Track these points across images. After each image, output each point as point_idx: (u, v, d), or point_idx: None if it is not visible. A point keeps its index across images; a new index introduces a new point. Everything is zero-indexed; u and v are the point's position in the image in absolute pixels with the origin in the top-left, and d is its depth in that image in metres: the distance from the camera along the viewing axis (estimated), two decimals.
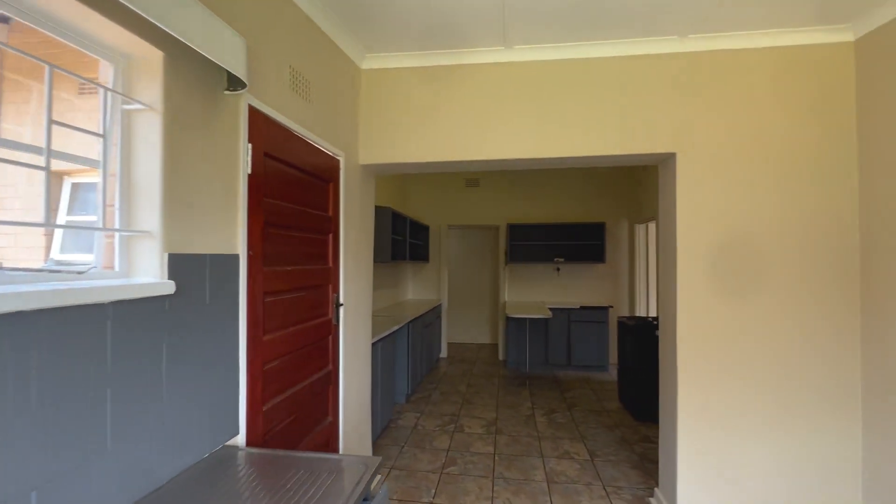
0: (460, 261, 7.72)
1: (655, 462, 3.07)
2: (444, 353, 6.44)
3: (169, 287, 1.12)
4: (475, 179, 6.44)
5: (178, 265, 1.19)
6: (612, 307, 5.73)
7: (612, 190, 6.12)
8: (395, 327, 3.72)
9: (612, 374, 5.48)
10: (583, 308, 5.60)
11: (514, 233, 6.26)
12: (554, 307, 5.62)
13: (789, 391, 2.23)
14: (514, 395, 4.59)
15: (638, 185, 5.80)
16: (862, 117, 2.18)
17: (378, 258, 4.19)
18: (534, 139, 2.46)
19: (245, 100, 1.49)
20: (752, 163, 2.26)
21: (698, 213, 2.31)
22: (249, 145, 1.50)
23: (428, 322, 5.28)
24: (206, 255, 1.31)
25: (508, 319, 5.72)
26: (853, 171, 2.21)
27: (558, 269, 6.20)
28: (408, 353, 4.26)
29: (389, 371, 3.69)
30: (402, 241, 5.02)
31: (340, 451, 2.31)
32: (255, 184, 1.55)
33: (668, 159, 2.43)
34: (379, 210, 4.27)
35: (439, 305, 6.22)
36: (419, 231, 6.27)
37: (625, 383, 4.22)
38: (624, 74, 2.38)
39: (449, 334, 7.58)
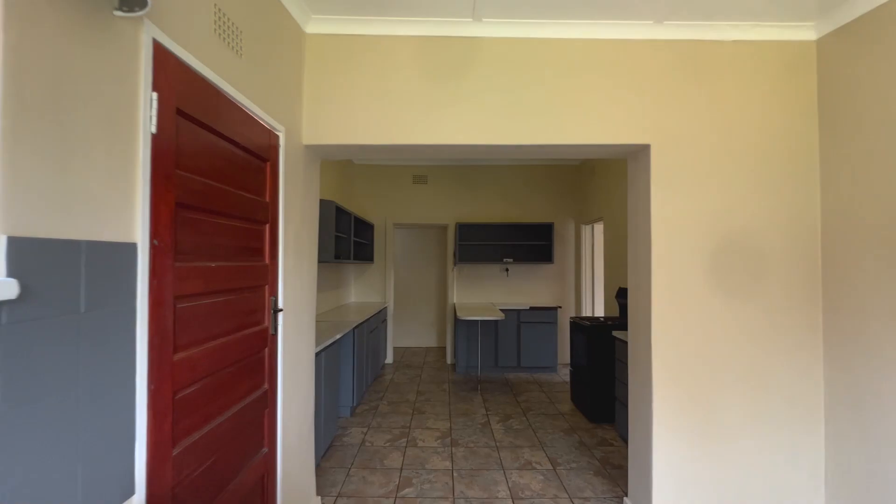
0: (407, 261, 7.39)
1: (617, 467, 2.97)
2: (389, 359, 6.08)
3: (8, 289, 0.72)
4: (423, 175, 6.16)
5: (28, 256, 0.78)
6: (560, 308, 5.72)
7: (560, 191, 6.14)
8: (339, 334, 3.33)
9: (562, 374, 5.46)
10: (532, 309, 5.53)
11: (464, 232, 6.07)
12: (504, 308, 5.48)
13: (763, 394, 2.19)
14: (467, 402, 4.36)
15: (584, 186, 5.86)
16: (822, 118, 2.21)
17: (321, 257, 3.76)
18: (498, 124, 2.23)
19: (147, 31, 1.08)
20: (726, 158, 2.21)
21: (674, 210, 2.21)
22: (154, 94, 1.10)
23: (373, 327, 4.91)
24: (81, 241, 0.90)
25: (458, 322, 5.50)
26: (816, 173, 2.23)
27: (507, 270, 6.10)
28: (353, 361, 3.87)
29: (333, 383, 3.29)
30: (345, 239, 4.60)
31: (279, 485, 1.91)
32: (163, 149, 1.15)
33: (640, 151, 2.32)
34: (322, 203, 3.84)
35: (384, 309, 5.86)
36: (364, 229, 5.86)
37: (577, 384, 4.16)
38: (598, 58, 2.23)
39: (395, 338, 7.23)
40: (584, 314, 5.87)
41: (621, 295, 4.29)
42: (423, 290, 7.36)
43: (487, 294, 6.10)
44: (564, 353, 6.04)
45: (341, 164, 5.38)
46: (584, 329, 3.97)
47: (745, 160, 2.21)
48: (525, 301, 6.08)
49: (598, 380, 3.80)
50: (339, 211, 4.37)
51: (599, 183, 5.29)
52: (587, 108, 2.22)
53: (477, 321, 5.16)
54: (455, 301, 6.11)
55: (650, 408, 2.20)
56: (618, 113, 2.21)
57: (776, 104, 2.22)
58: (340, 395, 3.81)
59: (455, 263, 5.99)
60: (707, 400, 2.19)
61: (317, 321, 3.86)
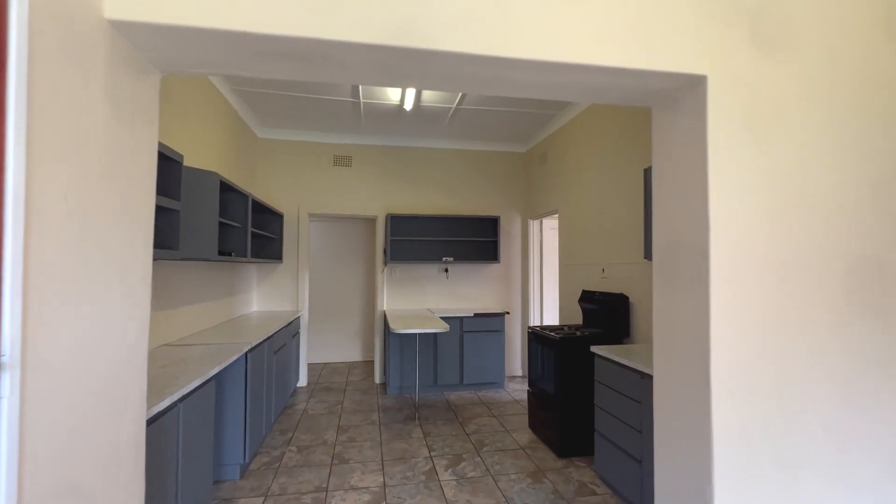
0: (326, 260, 6.22)
1: None
2: (303, 381, 4.90)
3: None
4: (346, 157, 5.08)
5: None
6: (508, 313, 5.00)
7: (505, 181, 5.43)
8: (218, 368, 2.21)
9: (511, 390, 4.73)
10: (477, 316, 4.73)
11: (396, 226, 5.10)
12: (444, 315, 4.62)
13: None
14: (404, 438, 3.41)
15: (533, 175, 5.21)
16: None
17: (191, 249, 2.59)
18: (490, 21, 1.34)
19: None
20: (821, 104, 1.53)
21: (741, 175, 1.48)
22: None
23: (280, 343, 3.76)
24: None
25: (390, 333, 4.52)
26: None
27: (447, 271, 5.25)
28: (245, 399, 2.74)
29: (205, 440, 2.17)
30: (239, 229, 3.42)
31: None
32: None
33: (687, 87, 1.56)
34: (197, 174, 2.66)
35: (297, 319, 4.69)
36: (269, 219, 4.64)
37: (539, 409, 3.42)
38: None
39: (311, 353, 6.03)
40: (533, 321, 5.21)
41: (587, 299, 3.63)
42: (347, 294, 6.24)
43: (424, 299, 5.20)
44: (512, 365, 5.34)
45: (239, 135, 4.15)
46: (551, 342, 3.24)
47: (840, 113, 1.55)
48: (468, 306, 5.27)
49: (571, 406, 3.08)
50: (229, 190, 3.19)
51: (553, 171, 4.65)
52: (624, 18, 1.41)
53: (415, 335, 4.24)
54: (385, 308, 5.11)
55: (708, 477, 1.45)
56: (662, 27, 1.44)
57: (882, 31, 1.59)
58: (224, 450, 2.66)
59: (386, 263, 5.00)
60: (789, 438, 1.49)
61: (193, 345, 2.67)
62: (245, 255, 3.43)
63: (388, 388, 4.58)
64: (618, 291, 3.36)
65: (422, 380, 4.60)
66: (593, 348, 2.76)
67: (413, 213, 4.94)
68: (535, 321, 5.23)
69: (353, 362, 6.11)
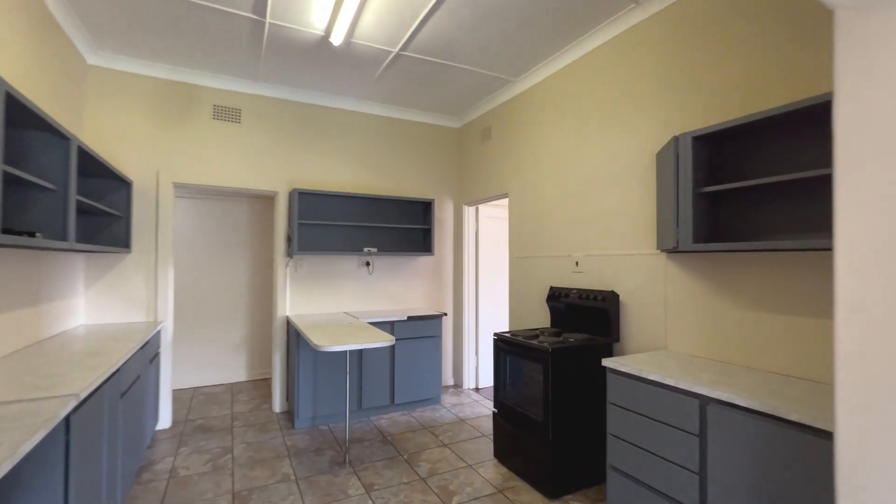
0: (200, 251, 4.68)
1: None
2: (165, 422, 3.46)
3: None
4: (234, 109, 3.73)
5: None
6: (445, 315, 4.23)
7: (439, 161, 4.64)
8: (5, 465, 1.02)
9: (448, 405, 3.99)
10: (411, 319, 3.88)
11: (305, 207, 3.94)
12: (369, 320, 3.66)
13: None
14: (338, 498, 2.42)
15: (471, 155, 4.52)
16: None
17: None
18: None
19: None
20: None
21: None
22: None
23: (130, 379, 2.41)
24: None
25: (300, 344, 3.40)
26: None
27: (368, 264, 4.26)
28: (65, 486, 1.49)
29: None
30: (51, 195, 2.02)
31: None
32: None
33: None
34: None
35: (157, 334, 3.25)
36: (109, 187, 3.12)
37: (513, 436, 2.75)
38: None
39: (177, 377, 4.47)
40: (468, 322, 4.54)
41: (557, 297, 3.07)
42: (229, 296, 4.79)
43: (339, 299, 4.14)
44: (444, 374, 4.60)
45: (57, 56, 2.57)
46: (536, 354, 2.58)
47: None
48: (395, 308, 4.37)
49: (565, 433, 2.47)
50: (31, 122, 1.81)
51: (500, 150, 4.02)
52: None
53: (348, 351, 3.17)
54: (289, 312, 3.92)
55: None
56: None
57: None
58: None
59: (290, 254, 3.81)
60: None
61: None
62: (64, 238, 2.04)
63: (297, 420, 3.45)
64: (605, 288, 2.86)
65: (340, 403, 3.58)
66: (607, 362, 2.17)
67: (326, 191, 3.84)
68: (470, 323, 4.57)
69: (237, 384, 4.70)
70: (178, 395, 4.30)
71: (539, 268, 3.46)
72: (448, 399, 4.18)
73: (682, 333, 2.36)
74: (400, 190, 4.44)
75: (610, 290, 2.78)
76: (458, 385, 4.61)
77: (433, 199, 4.27)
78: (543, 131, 3.45)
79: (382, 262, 4.33)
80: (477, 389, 4.52)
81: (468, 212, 4.62)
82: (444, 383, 4.61)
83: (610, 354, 2.69)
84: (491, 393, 4.40)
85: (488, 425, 3.53)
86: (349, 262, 4.17)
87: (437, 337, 4.01)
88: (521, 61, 3.35)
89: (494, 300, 4.72)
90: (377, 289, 4.30)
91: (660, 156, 2.33)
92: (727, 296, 2.14)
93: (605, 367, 2.61)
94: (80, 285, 3.19)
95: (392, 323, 3.80)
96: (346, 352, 3.29)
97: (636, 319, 2.63)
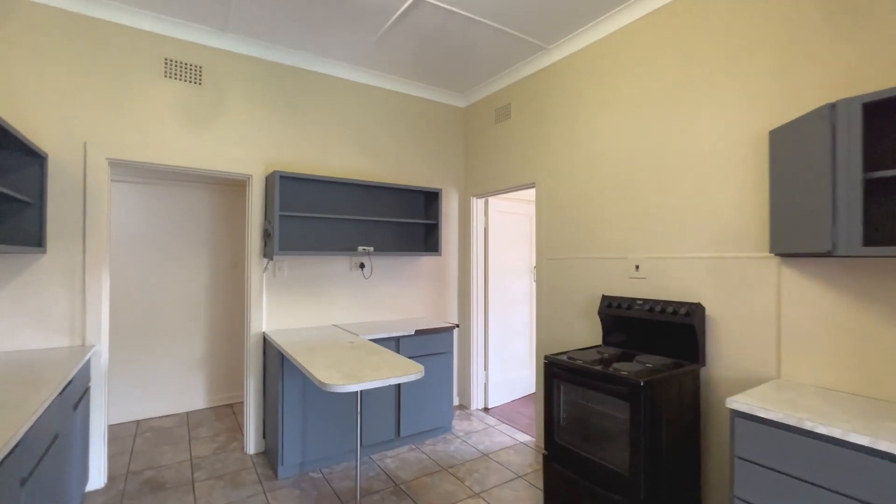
0: (146, 249, 3.75)
1: None
2: (98, 480, 2.58)
3: None
4: (192, 67, 2.87)
5: None
6: (458, 327, 3.57)
7: (440, 143, 3.97)
8: None
9: (461, 434, 3.36)
10: (419, 333, 3.20)
11: (288, 194, 3.16)
12: (370, 335, 2.95)
13: None
14: None
15: (484, 140, 3.88)
16: None
17: None
18: None
19: None
20: None
21: None
22: None
23: (39, 448, 1.59)
24: None
25: (284, 376, 2.65)
26: None
27: (363, 267, 3.53)
28: None
29: None
30: None
31: None
32: None
33: None
34: None
35: (86, 364, 2.37)
36: (7, 159, 2.23)
37: (579, 491, 2.17)
38: None
39: (118, 409, 3.56)
40: (476, 334, 3.92)
41: (612, 307, 2.52)
42: (185, 304, 3.89)
43: (329, 308, 3.38)
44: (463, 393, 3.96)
45: None
46: (615, 385, 1.99)
47: None
48: (394, 318, 3.67)
49: (665, 491, 1.91)
50: None
51: (522, 131, 3.41)
52: None
53: (361, 391, 2.44)
54: (267, 327, 3.12)
55: None
56: None
57: None
58: None
59: (270, 255, 3.01)
60: None
61: None
62: None
63: (281, 467, 2.69)
64: (676, 298, 2.33)
65: (337, 441, 2.85)
66: (736, 403, 1.62)
67: (316, 175, 3.06)
68: (478, 334, 3.95)
69: (195, 413, 3.82)
70: (116, 433, 3.38)
71: (581, 272, 2.89)
72: (458, 425, 3.55)
73: (806, 360, 1.86)
74: (400, 178, 3.73)
75: (694, 301, 2.24)
76: (464, 405, 3.98)
77: (440, 189, 3.59)
78: (587, 109, 2.87)
79: (379, 264, 3.61)
80: (486, 410, 3.92)
81: (476, 205, 3.99)
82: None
83: (697, 383, 2.16)
84: (505, 415, 3.81)
85: (517, 460, 2.94)
86: (340, 264, 3.42)
87: (448, 353, 3.36)
88: (564, 22, 2.75)
89: (506, 307, 4.12)
90: (374, 296, 3.57)
91: (782, 133, 1.80)
92: (889, 315, 1.65)
93: (731, 410, 2.08)
94: None
95: (397, 339, 3.11)
96: (360, 392, 2.57)
97: (730, 339, 2.11)
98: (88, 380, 2.50)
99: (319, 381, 1.88)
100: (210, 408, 3.93)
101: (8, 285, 2.36)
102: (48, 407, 1.67)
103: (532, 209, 4.44)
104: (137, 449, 3.09)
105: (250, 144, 3.05)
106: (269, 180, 3.00)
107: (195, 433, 3.37)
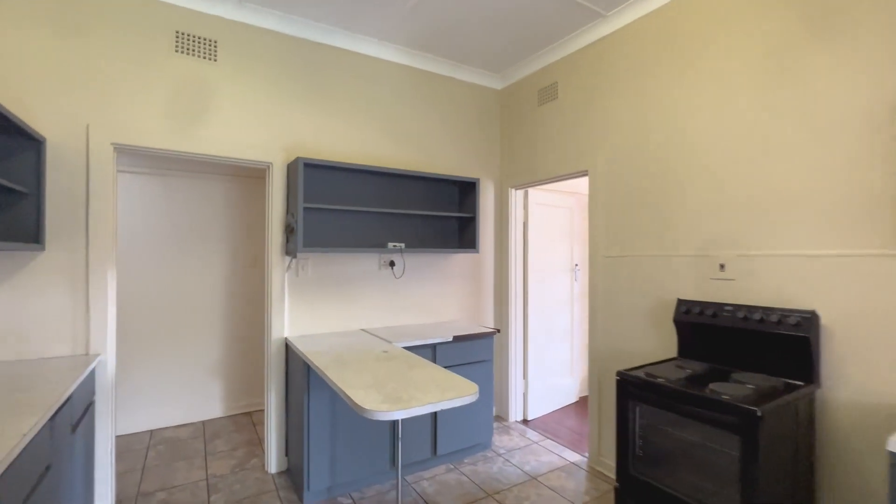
0: (157, 246, 3.48)
1: None
2: (106, 501, 2.30)
3: None
4: (206, 41, 2.56)
5: None
6: (499, 331, 3.21)
7: (473, 128, 3.61)
8: None
9: (503, 451, 3.01)
10: (457, 340, 2.86)
11: (312, 184, 2.84)
12: (404, 342, 2.62)
13: None
14: None
15: (518, 122, 3.51)
16: None
17: None
18: None
19: None
20: None
21: None
22: None
23: (39, 468, 1.29)
24: None
25: (310, 389, 2.33)
26: None
27: (393, 265, 3.19)
28: None
29: None
30: None
31: None
32: None
33: None
34: None
35: (89, 376, 2.09)
36: (4, 146, 1.95)
37: None
38: None
39: (128, 418, 3.30)
40: (515, 339, 3.57)
41: (690, 314, 2.14)
42: (200, 305, 3.62)
43: (355, 311, 3.05)
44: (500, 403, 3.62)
45: None
46: (723, 414, 1.62)
47: None
48: (425, 321, 3.34)
49: None
50: None
51: (572, 112, 3.03)
52: None
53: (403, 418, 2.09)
54: (290, 332, 2.81)
55: None
56: None
57: None
58: None
59: (294, 252, 2.69)
60: None
61: None
62: None
63: (307, 492, 2.38)
64: (776, 305, 1.94)
65: (368, 462, 2.53)
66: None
67: (342, 163, 2.73)
68: (516, 339, 3.60)
69: (211, 423, 3.54)
70: (127, 444, 3.12)
71: (647, 271, 2.51)
72: (498, 440, 3.20)
73: None
74: (431, 167, 3.38)
75: (806, 308, 1.85)
76: (501, 417, 3.64)
77: (477, 180, 3.24)
78: (659, 82, 2.48)
79: (410, 262, 3.27)
80: (526, 422, 3.57)
81: (515, 197, 3.62)
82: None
83: (812, 409, 1.77)
84: (547, 428, 3.45)
85: (571, 486, 2.58)
86: (368, 263, 3.09)
87: (488, 362, 3.01)
88: None
89: (546, 309, 3.76)
90: (404, 297, 3.24)
91: None
92: None
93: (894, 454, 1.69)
94: None
95: (434, 346, 2.78)
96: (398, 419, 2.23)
97: (855, 356, 1.72)
98: (93, 393, 2.22)
99: (358, 406, 1.55)
100: (227, 416, 3.66)
101: (1, 287, 2.08)
102: (35, 437, 1.37)
103: (574, 201, 4.06)
104: (149, 464, 2.82)
105: (270, 129, 2.74)
106: (292, 168, 2.68)
107: (212, 446, 3.09)
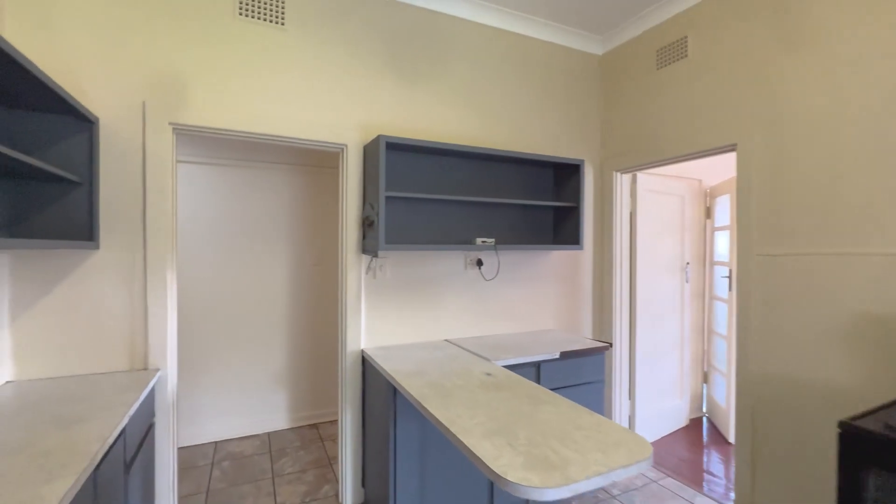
0: (220, 240, 3.20)
1: None
2: None
3: None
4: (271, 4, 2.18)
5: None
6: (610, 346, 2.66)
7: (566, 99, 3.04)
8: None
9: (613, 491, 2.46)
10: (564, 357, 2.33)
11: (392, 169, 2.41)
12: (503, 360, 2.14)
13: None
14: None
15: (624, 93, 2.91)
16: None
17: None
18: None
19: None
20: None
21: None
22: None
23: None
24: None
25: (399, 414, 1.90)
26: None
27: (480, 264, 2.71)
28: None
29: None
30: None
31: None
32: None
33: None
34: None
35: (149, 395, 1.77)
36: (48, 124, 1.64)
37: None
38: None
39: (191, 428, 3.06)
40: (621, 358, 2.99)
41: None
42: (263, 308, 3.33)
43: (439, 319, 2.61)
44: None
45: None
46: None
47: None
48: (517, 330, 2.84)
49: None
50: None
51: (711, 73, 2.39)
52: None
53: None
54: (366, 343, 2.41)
55: None
56: None
57: None
58: None
59: (374, 250, 2.27)
60: None
61: None
62: None
63: None
64: None
65: (461, 500, 2.08)
66: None
67: (427, 142, 2.27)
68: (621, 352, 3.02)
69: (276, 435, 3.25)
70: (190, 459, 2.87)
71: (831, 275, 1.86)
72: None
73: None
74: (524, 147, 2.86)
75: None
76: None
77: (582, 161, 2.68)
78: (852, 15, 1.81)
79: (501, 261, 2.78)
80: None
81: (620, 182, 3.03)
82: None
83: None
84: (661, 460, 2.86)
85: None
86: (453, 262, 2.64)
87: (598, 383, 2.47)
88: None
89: (654, 317, 3.15)
90: (493, 302, 2.76)
91: None
92: None
93: None
94: (2, 312, 1.72)
95: (537, 364, 2.27)
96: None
97: None
98: (152, 415, 1.91)
99: (500, 478, 1.08)
100: (293, 429, 3.35)
101: (51, 292, 1.80)
102: (79, 493, 1.01)
103: (684, 187, 3.40)
104: (214, 487, 2.53)
105: (344, 105, 2.33)
106: (370, 151, 2.26)
107: (279, 466, 2.77)
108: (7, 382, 1.72)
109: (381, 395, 2.05)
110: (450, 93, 2.61)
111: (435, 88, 2.56)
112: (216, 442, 3.12)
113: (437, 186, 2.53)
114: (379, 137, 2.12)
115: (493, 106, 2.75)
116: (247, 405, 3.24)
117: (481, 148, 2.40)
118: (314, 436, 3.22)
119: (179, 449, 2.99)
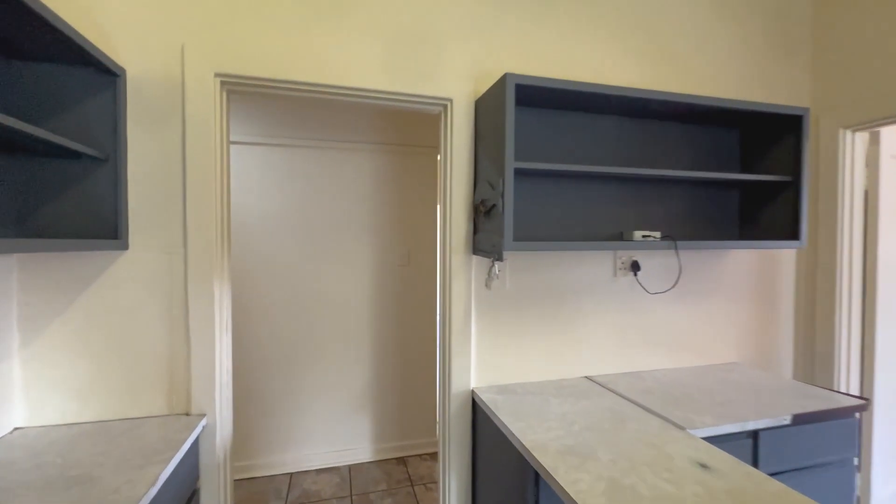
0: (285, 237, 2.70)
1: None
2: None
3: None
4: None
5: None
6: (867, 402, 1.71)
7: (757, 29, 2.05)
8: None
9: None
10: (798, 422, 1.43)
11: (522, 132, 1.66)
12: (701, 428, 1.30)
13: None
14: None
15: (869, 4, 1.86)
16: None
17: None
18: None
19: None
20: None
21: None
22: None
23: None
24: None
25: (541, 488, 1.18)
26: None
27: (637, 269, 1.87)
28: None
29: None
30: None
31: None
32: None
33: None
34: None
35: (193, 448, 1.22)
36: (62, 78, 1.13)
37: None
38: None
39: (266, 456, 2.60)
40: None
41: None
42: (342, 318, 2.78)
43: (576, 347, 1.83)
44: None
45: None
46: None
47: None
48: (691, 364, 1.96)
49: None
50: None
51: None
52: None
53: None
54: (475, 383, 1.71)
55: None
56: None
57: None
58: None
59: (497, 251, 1.55)
60: None
61: None
62: None
63: None
64: None
65: None
66: None
67: (569, 84, 1.48)
68: (882, 420, 1.99)
69: (357, 468, 2.71)
70: (262, 494, 2.41)
71: None
72: None
73: None
74: (721, 86, 1.96)
75: None
76: None
77: (806, 111, 1.72)
78: None
79: (666, 263, 1.93)
80: None
81: (851, 144, 1.99)
82: None
83: None
84: None
85: None
86: (597, 265, 1.83)
87: (846, 463, 1.53)
88: None
89: None
90: (653, 323, 1.91)
91: None
92: None
93: None
94: (10, 334, 1.27)
95: (755, 434, 1.41)
96: None
97: None
98: (196, 478, 1.38)
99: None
100: (376, 462, 2.79)
101: (69, 309, 1.33)
102: None
103: None
104: None
105: (447, 40, 1.63)
106: (487, 104, 1.54)
107: None
108: (15, 430, 1.28)
109: (507, 471, 1.34)
110: (596, 23, 1.79)
111: (574, 20, 1.77)
112: (291, 474, 2.65)
113: (579, 156, 1.75)
114: (505, 77, 1.38)
115: (660, 41, 1.88)
116: (323, 432, 2.73)
117: (658, 92, 1.55)
118: (402, 474, 2.63)
119: (249, 480, 2.56)
